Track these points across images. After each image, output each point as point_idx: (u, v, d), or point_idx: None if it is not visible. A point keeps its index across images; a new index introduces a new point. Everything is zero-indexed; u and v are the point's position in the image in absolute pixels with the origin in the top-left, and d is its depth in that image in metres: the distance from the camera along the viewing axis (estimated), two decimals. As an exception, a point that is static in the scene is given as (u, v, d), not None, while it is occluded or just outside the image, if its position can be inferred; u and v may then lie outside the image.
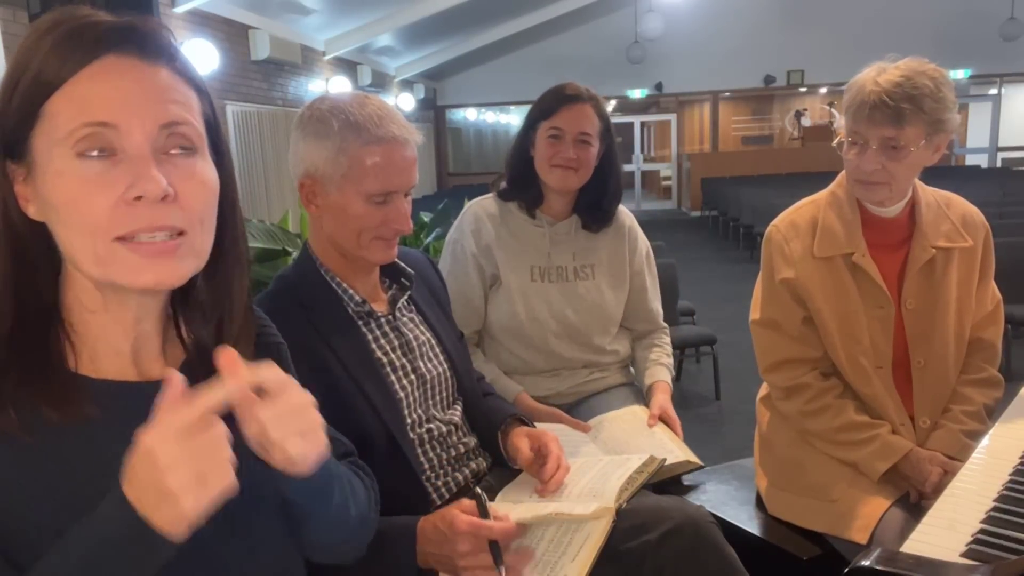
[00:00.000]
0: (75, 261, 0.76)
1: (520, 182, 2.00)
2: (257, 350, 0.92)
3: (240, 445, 0.78)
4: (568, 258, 2.02)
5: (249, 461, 0.77)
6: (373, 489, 1.07)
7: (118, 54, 0.75)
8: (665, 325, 2.18)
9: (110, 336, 0.81)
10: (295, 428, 0.75)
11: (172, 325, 0.89)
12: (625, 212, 2.11)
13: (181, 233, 0.76)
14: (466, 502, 1.21)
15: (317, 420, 0.79)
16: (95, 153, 0.73)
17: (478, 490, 1.22)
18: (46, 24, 0.75)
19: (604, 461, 1.46)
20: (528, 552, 1.23)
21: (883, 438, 1.58)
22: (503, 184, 2.05)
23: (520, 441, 1.45)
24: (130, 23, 0.76)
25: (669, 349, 2.15)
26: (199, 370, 0.85)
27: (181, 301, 0.88)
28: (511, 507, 1.29)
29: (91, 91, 0.73)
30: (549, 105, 1.94)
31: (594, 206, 2.02)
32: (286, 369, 0.97)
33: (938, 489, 1.34)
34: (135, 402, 0.80)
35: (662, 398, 1.96)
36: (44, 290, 0.79)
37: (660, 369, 2.06)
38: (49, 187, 0.73)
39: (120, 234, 0.73)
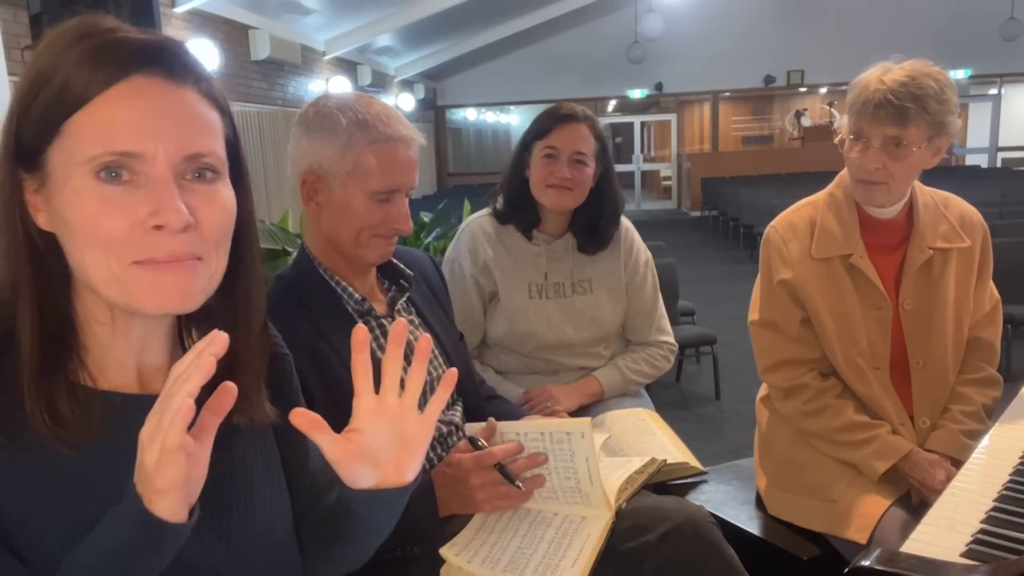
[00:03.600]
0: (88, 279, 0.75)
1: (516, 203, 1.99)
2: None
3: (242, 461, 0.78)
4: (565, 274, 2.02)
5: (248, 475, 0.77)
6: None
7: (146, 75, 0.73)
8: (665, 341, 2.10)
9: (115, 348, 0.80)
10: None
11: (179, 339, 0.88)
12: (623, 222, 2.09)
13: (198, 259, 0.75)
14: (463, 444, 1.30)
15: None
16: (115, 177, 0.71)
17: (471, 436, 1.30)
18: (73, 34, 0.73)
19: (604, 462, 1.46)
20: (540, 477, 1.29)
21: (882, 438, 1.58)
22: (499, 201, 2.04)
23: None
24: (158, 42, 0.75)
25: (657, 363, 2.07)
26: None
27: (189, 315, 0.86)
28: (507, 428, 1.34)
29: (117, 116, 0.71)
30: (544, 125, 1.94)
31: (590, 229, 2.00)
32: (288, 380, 0.98)
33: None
34: (136, 415, 0.79)
35: (571, 389, 1.96)
36: (60, 300, 0.78)
37: (609, 369, 2.03)
38: (66, 205, 0.72)
39: (138, 259, 0.72)
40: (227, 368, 0.84)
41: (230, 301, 0.85)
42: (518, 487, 1.26)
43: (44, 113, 0.72)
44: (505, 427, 1.30)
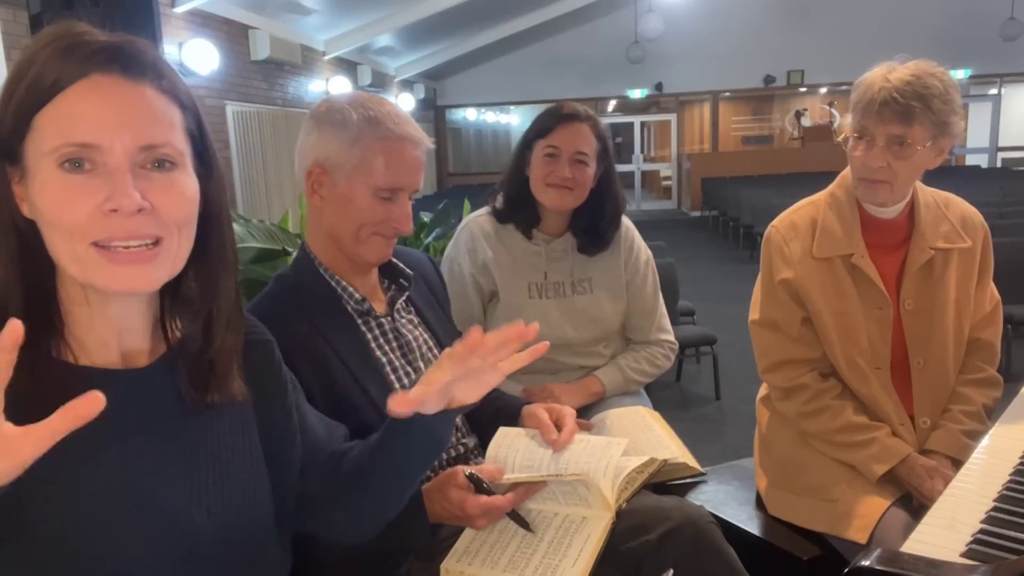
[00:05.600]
0: (58, 260, 0.81)
1: (516, 202, 1.99)
2: (246, 348, 0.97)
3: (218, 437, 0.84)
4: (565, 274, 2.01)
5: (224, 450, 0.84)
6: None
7: (104, 73, 0.79)
8: (666, 340, 2.10)
9: (96, 328, 0.86)
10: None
11: (159, 322, 0.93)
12: (624, 221, 2.08)
13: (158, 241, 0.81)
14: (461, 479, 1.25)
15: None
16: (77, 167, 0.78)
17: (470, 472, 1.25)
18: (46, 37, 0.80)
19: (602, 461, 1.46)
20: (539, 484, 1.27)
21: (881, 441, 1.58)
22: (499, 200, 2.04)
23: (539, 411, 1.45)
24: (118, 43, 0.81)
25: (658, 362, 2.07)
26: (179, 365, 0.91)
27: (171, 300, 0.93)
28: (507, 445, 1.32)
29: (76, 110, 0.78)
30: (546, 124, 1.93)
31: (591, 229, 2.00)
32: (276, 366, 1.03)
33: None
34: (115, 388, 0.83)
35: (572, 388, 1.95)
36: (46, 284, 0.84)
37: (610, 368, 2.02)
38: (36, 193, 0.79)
39: (96, 239, 0.79)
40: (201, 345, 0.91)
41: (200, 286, 0.91)
42: (531, 531, 1.26)
43: (17, 109, 0.79)
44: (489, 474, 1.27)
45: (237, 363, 0.94)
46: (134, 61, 0.81)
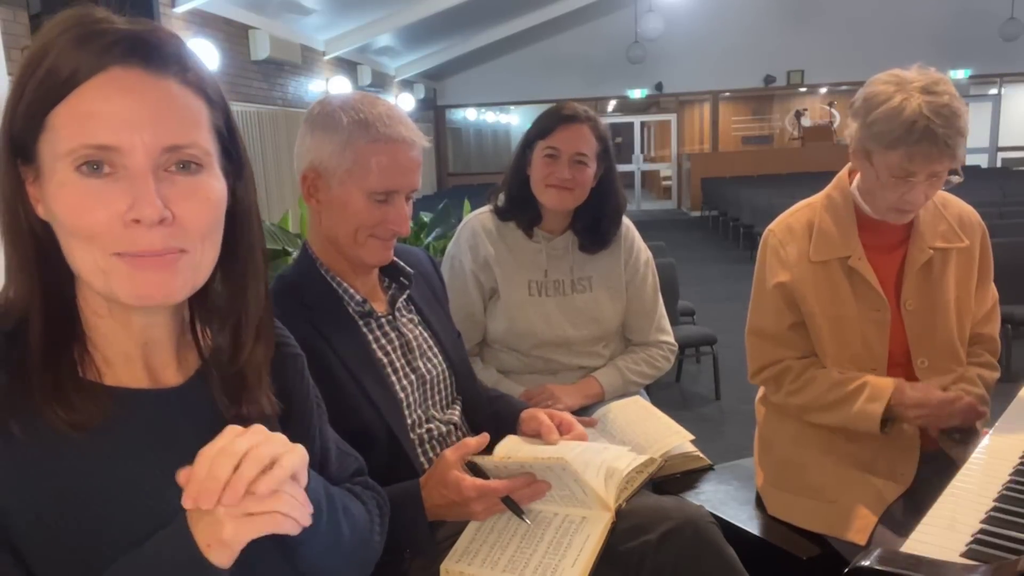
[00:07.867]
0: (76, 268, 0.76)
1: (518, 201, 2.00)
2: (277, 360, 0.92)
3: None
4: (566, 272, 2.02)
5: None
6: (380, 509, 1.06)
7: (124, 66, 0.73)
8: (665, 341, 2.10)
9: (119, 341, 0.81)
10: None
11: (188, 331, 0.87)
12: (624, 221, 2.08)
13: (182, 251, 0.75)
14: (453, 458, 1.25)
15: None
16: (96, 170, 0.72)
17: (472, 460, 1.26)
18: (61, 24, 0.74)
19: (610, 451, 1.45)
20: (543, 484, 1.25)
21: (871, 381, 1.58)
22: (501, 199, 2.05)
23: (539, 413, 1.45)
24: (138, 33, 0.74)
25: (657, 363, 2.07)
26: (214, 377, 0.86)
27: (199, 307, 0.87)
28: (512, 449, 1.31)
29: (94, 108, 0.71)
30: (546, 125, 1.94)
31: (592, 228, 2.00)
32: (301, 380, 0.98)
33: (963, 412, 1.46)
34: (146, 410, 0.80)
35: (571, 388, 1.96)
36: (66, 292, 0.79)
37: (609, 369, 2.02)
38: (52, 197, 0.73)
39: (118, 251, 0.73)
40: (230, 355, 0.86)
41: (229, 290, 0.85)
42: (526, 521, 1.25)
43: (30, 105, 0.72)
44: (485, 461, 1.27)
45: (266, 375, 0.88)
46: (156, 52, 0.74)
